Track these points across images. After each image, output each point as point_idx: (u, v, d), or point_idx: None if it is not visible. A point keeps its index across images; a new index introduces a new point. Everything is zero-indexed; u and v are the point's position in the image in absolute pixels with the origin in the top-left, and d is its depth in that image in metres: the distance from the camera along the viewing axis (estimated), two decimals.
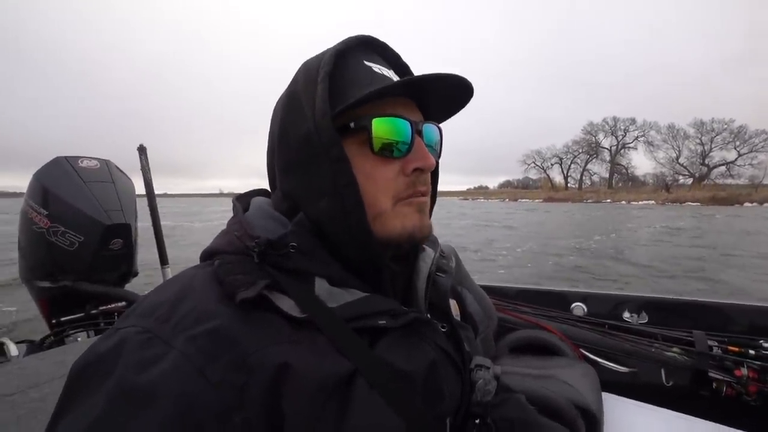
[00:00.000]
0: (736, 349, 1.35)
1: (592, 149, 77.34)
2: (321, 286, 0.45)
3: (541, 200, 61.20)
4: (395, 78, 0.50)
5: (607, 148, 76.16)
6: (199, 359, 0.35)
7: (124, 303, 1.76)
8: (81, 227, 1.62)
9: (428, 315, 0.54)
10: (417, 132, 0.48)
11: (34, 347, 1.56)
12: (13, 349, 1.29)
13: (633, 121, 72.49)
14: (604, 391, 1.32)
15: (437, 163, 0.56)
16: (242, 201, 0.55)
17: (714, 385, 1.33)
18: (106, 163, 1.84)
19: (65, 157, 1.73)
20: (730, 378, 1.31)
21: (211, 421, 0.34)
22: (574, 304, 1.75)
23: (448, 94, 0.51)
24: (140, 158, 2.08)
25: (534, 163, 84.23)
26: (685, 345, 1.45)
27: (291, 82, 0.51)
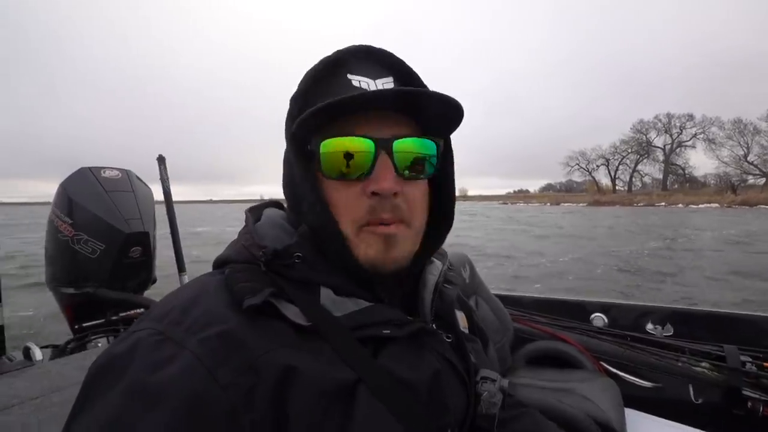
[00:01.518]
0: None
1: (643, 149, 70.19)
2: (326, 295, 0.45)
3: (585, 204, 56.24)
4: (381, 88, 0.47)
5: (660, 147, 68.66)
6: (211, 360, 0.36)
7: (143, 309, 1.80)
8: (102, 235, 1.68)
9: (433, 326, 0.54)
10: (384, 149, 0.44)
11: (57, 352, 1.62)
12: (37, 354, 1.33)
13: (690, 117, 64.49)
14: (626, 407, 1.26)
15: (449, 178, 0.53)
16: (255, 212, 0.56)
17: (749, 404, 1.25)
18: (126, 173, 1.91)
19: (89, 168, 1.80)
20: (767, 397, 1.23)
21: (219, 422, 0.34)
22: (593, 315, 1.68)
23: (437, 109, 0.47)
24: (159, 168, 2.15)
25: (578, 165, 77.22)
26: (716, 360, 1.37)
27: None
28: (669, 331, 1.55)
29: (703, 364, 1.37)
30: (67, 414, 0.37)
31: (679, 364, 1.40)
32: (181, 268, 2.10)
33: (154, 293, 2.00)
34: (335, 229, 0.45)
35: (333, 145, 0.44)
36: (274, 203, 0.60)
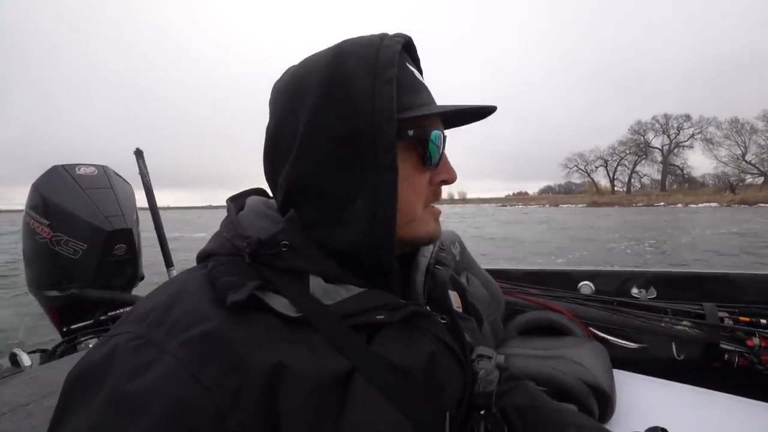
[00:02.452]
0: (748, 319, 1.34)
1: (641, 150, 70.90)
2: (315, 283, 0.44)
3: (584, 205, 56.36)
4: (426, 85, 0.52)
5: (658, 148, 69.48)
6: (193, 363, 0.35)
7: (125, 312, 1.77)
8: (83, 235, 1.62)
9: (427, 307, 0.54)
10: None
11: (46, 356, 1.58)
12: (25, 359, 1.29)
13: (688, 117, 65.28)
14: (615, 368, 1.32)
15: None
16: (237, 202, 0.54)
17: (726, 356, 1.33)
18: (103, 169, 1.83)
19: (62, 166, 1.72)
20: (742, 348, 1.31)
21: (205, 427, 0.33)
22: (581, 283, 1.74)
23: (467, 115, 0.53)
24: (138, 162, 2.07)
25: (576, 166, 78.48)
26: (696, 318, 1.44)
27: (329, 63, 0.45)
28: (652, 293, 1.62)
29: (685, 322, 1.44)
30: None
31: (662, 324, 1.47)
32: (168, 263, 2.06)
33: (142, 290, 1.97)
34: (392, 219, 0.45)
35: (437, 137, 0.48)
36: (257, 191, 0.57)
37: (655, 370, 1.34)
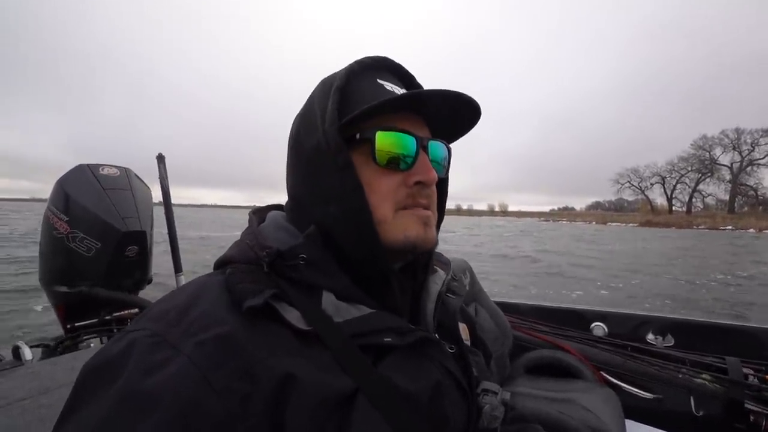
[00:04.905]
0: None
1: (706, 167, 62.80)
2: (328, 299, 0.44)
3: (636, 224, 51.01)
4: None
5: (726, 165, 60.98)
6: (206, 365, 0.35)
7: (137, 310, 1.78)
8: (98, 233, 1.65)
9: (436, 335, 0.53)
10: (422, 147, 0.49)
11: (48, 351, 1.58)
12: (27, 353, 1.30)
13: (766, 132, 56.12)
14: (626, 418, 1.24)
15: (446, 180, 0.57)
16: (259, 215, 0.56)
17: (752, 418, 1.23)
18: (125, 171, 1.88)
19: (88, 165, 1.78)
20: None
21: (213, 429, 0.34)
22: (593, 324, 1.66)
23: (454, 113, 0.52)
24: (159, 167, 2.13)
25: (629, 182, 70.22)
26: (717, 372, 1.35)
27: (308, 98, 0.53)
28: (670, 341, 1.53)
29: (704, 375, 1.36)
30: (55, 416, 0.36)
31: (680, 375, 1.39)
32: (177, 268, 2.08)
33: (149, 293, 1.98)
34: (368, 213, 0.46)
35: (389, 136, 0.48)
36: (279, 206, 0.60)
37: (670, 424, 1.26)
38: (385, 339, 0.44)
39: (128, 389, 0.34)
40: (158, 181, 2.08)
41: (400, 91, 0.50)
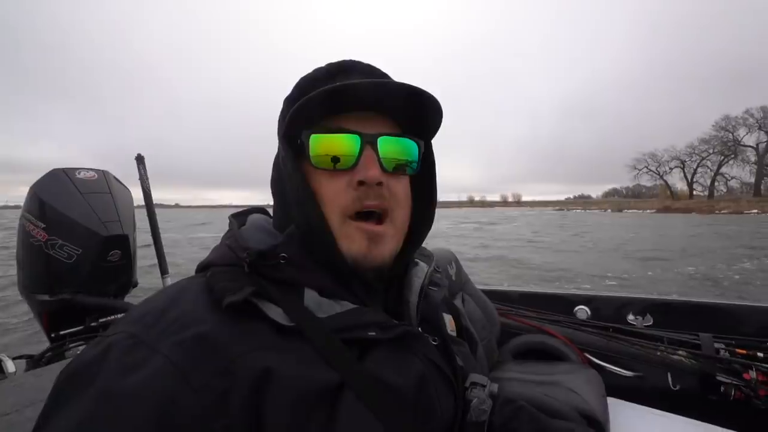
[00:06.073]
0: (744, 351, 1.32)
1: (729, 149, 58.32)
2: (310, 296, 0.45)
3: (653, 211, 46.86)
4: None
5: (751, 146, 56.78)
6: (184, 364, 0.35)
7: (123, 314, 1.75)
8: (79, 239, 1.61)
9: (419, 329, 0.54)
10: (369, 144, 0.47)
11: (33, 362, 1.55)
12: (10, 366, 1.27)
13: None
14: (609, 397, 1.30)
15: (431, 177, 0.55)
16: (239, 218, 0.56)
17: (722, 388, 1.31)
18: (104, 174, 1.83)
19: (63, 169, 1.72)
20: (738, 381, 1.29)
21: (191, 427, 0.34)
22: (577, 308, 1.72)
23: (414, 107, 0.49)
24: (138, 168, 2.08)
25: (647, 167, 66.19)
26: (692, 348, 1.42)
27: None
28: (649, 321, 1.60)
29: (681, 352, 1.43)
30: None
31: (658, 353, 1.46)
32: (163, 270, 2.05)
33: (136, 297, 1.94)
34: (321, 221, 0.46)
35: (322, 138, 0.47)
36: (259, 209, 0.60)
37: (650, 399, 1.32)
38: (369, 333, 0.44)
39: (105, 390, 0.33)
40: (141, 182, 2.03)
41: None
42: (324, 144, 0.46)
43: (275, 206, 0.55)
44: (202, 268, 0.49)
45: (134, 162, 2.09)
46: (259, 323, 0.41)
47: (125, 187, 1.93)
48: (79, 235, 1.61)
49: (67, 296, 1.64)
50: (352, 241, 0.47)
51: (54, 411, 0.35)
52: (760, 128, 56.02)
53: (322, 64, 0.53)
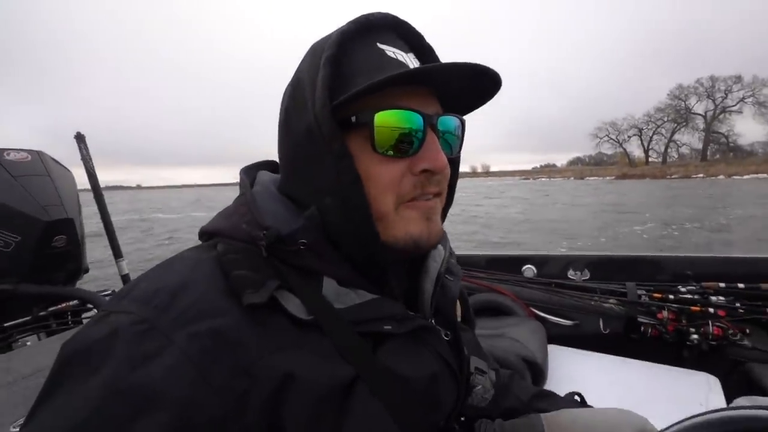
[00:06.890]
0: (660, 295, 1.53)
1: (681, 117, 61.80)
2: (328, 285, 0.42)
3: (612, 177, 50.49)
4: (413, 63, 0.44)
5: (701, 114, 60.10)
6: (201, 360, 0.33)
7: (76, 302, 1.68)
8: (15, 226, 1.50)
9: (433, 320, 0.52)
10: (430, 126, 0.43)
11: None
12: None
13: (738, 78, 55.98)
14: (550, 344, 1.46)
15: (458, 159, 0.51)
16: (249, 175, 0.51)
17: (642, 328, 1.52)
18: (38, 155, 1.69)
19: None
20: (654, 321, 1.49)
21: (207, 428, 0.32)
22: (524, 267, 1.88)
23: (470, 83, 0.45)
24: (79, 147, 1.94)
25: (608, 136, 68.99)
26: (620, 296, 1.62)
27: (298, 66, 0.46)
28: (586, 275, 1.78)
29: (611, 300, 1.62)
30: None
31: (593, 302, 1.64)
32: (117, 254, 1.97)
33: (89, 284, 1.87)
34: (367, 209, 0.41)
35: (390, 119, 0.40)
36: (268, 163, 0.55)
37: (585, 344, 1.50)
38: (385, 327, 0.43)
39: (115, 382, 0.31)
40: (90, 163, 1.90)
41: (405, 57, 0.44)
42: (390, 125, 0.40)
43: (289, 180, 0.48)
44: (208, 235, 0.45)
45: (75, 141, 1.94)
46: (278, 316, 0.39)
47: (65, 168, 1.80)
48: (15, 221, 1.51)
49: (9, 287, 1.55)
50: (410, 223, 0.43)
51: (55, 391, 0.32)
52: (708, 97, 59.92)
53: (350, 17, 0.44)
